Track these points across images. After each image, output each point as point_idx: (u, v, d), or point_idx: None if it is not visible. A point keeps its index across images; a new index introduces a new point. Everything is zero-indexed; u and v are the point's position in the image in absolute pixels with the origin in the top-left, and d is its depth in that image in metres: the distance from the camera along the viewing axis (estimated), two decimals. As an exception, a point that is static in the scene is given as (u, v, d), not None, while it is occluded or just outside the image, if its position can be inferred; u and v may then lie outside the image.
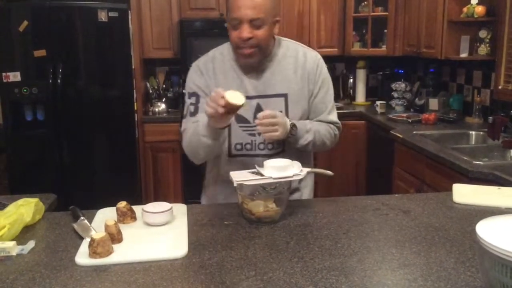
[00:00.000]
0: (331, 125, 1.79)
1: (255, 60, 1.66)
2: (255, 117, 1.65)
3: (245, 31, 1.59)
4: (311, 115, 1.78)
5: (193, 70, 1.77)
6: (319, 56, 1.79)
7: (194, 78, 1.76)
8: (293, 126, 1.64)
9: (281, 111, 1.68)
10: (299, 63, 1.73)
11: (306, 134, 1.69)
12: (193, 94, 1.75)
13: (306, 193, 1.87)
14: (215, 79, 1.73)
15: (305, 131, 1.69)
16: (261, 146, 1.73)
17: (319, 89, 1.76)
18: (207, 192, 1.90)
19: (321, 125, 1.76)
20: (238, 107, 1.48)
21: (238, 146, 1.73)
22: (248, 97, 1.67)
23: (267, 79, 1.71)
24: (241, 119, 1.71)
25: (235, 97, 1.47)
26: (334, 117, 1.81)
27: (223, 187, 1.80)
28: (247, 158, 1.73)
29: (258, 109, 1.69)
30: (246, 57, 1.65)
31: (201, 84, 1.74)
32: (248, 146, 1.73)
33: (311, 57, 1.76)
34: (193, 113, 1.73)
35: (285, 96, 1.71)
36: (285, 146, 1.74)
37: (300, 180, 1.76)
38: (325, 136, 1.76)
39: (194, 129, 1.66)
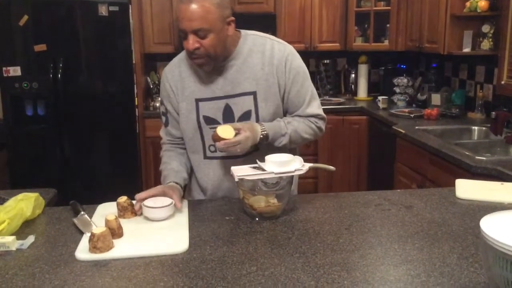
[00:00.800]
0: (312, 119, 1.73)
1: (208, 68, 1.63)
2: (224, 118, 1.67)
3: (190, 43, 1.55)
4: (289, 110, 1.72)
5: (162, 76, 1.78)
6: (289, 49, 1.69)
7: (162, 87, 1.78)
8: (265, 138, 1.61)
9: (250, 110, 1.66)
10: (266, 58, 1.66)
11: (281, 137, 1.65)
12: (162, 103, 1.80)
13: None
14: (182, 82, 1.71)
15: (280, 135, 1.65)
16: None
17: (292, 84, 1.68)
18: (189, 186, 1.88)
19: (301, 123, 1.70)
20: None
21: (212, 148, 1.71)
22: (216, 98, 1.67)
23: (234, 77, 1.66)
24: (211, 121, 1.68)
25: (226, 131, 1.52)
26: (314, 109, 1.73)
27: (200, 188, 1.80)
28: (222, 160, 1.71)
29: (227, 109, 1.66)
30: (199, 66, 1.63)
31: (168, 94, 1.74)
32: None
33: (279, 51, 1.67)
34: (165, 124, 1.80)
35: (253, 94, 1.66)
36: (258, 146, 1.68)
37: None
38: (306, 132, 1.71)
39: (164, 175, 1.72)
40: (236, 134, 1.53)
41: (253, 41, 1.69)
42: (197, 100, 1.68)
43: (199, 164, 1.77)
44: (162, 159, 1.80)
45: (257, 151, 1.67)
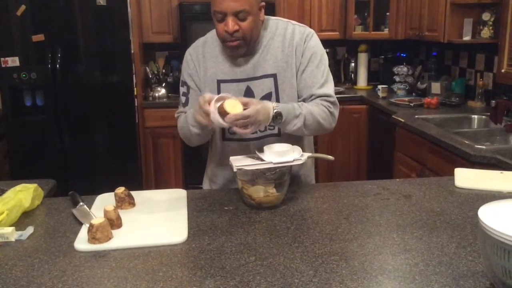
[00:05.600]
0: (324, 102, 1.66)
1: (241, 52, 1.64)
2: None
3: (230, 24, 1.55)
4: (302, 91, 1.68)
5: (185, 57, 1.77)
6: (309, 31, 1.70)
7: (185, 66, 1.76)
8: (278, 115, 1.54)
9: (270, 92, 1.66)
10: (287, 40, 1.67)
11: (295, 119, 1.58)
12: (185, 83, 1.77)
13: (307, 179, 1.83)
14: (205, 63, 1.71)
15: (294, 116, 1.57)
16: None
17: (308, 63, 1.66)
18: (208, 175, 1.89)
19: (315, 106, 1.64)
20: None
21: (231, 130, 1.67)
22: (237, 80, 1.67)
23: (256, 61, 1.67)
24: None
25: (234, 106, 1.44)
26: (327, 90, 1.67)
27: (221, 171, 1.79)
28: (241, 142, 1.70)
29: (248, 91, 1.66)
30: (232, 50, 1.63)
31: (192, 72, 1.73)
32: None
33: (299, 32, 1.68)
34: (185, 104, 1.77)
35: (274, 76, 1.66)
36: (280, 130, 1.69)
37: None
38: (320, 116, 1.63)
39: (184, 118, 1.70)
40: (244, 110, 1.46)
41: (275, 25, 1.71)
42: (219, 81, 1.69)
43: (217, 146, 1.77)
44: (182, 116, 1.74)
45: (278, 136, 1.69)
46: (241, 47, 1.61)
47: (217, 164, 1.80)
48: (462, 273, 1.09)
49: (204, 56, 1.72)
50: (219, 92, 1.68)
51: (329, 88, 1.69)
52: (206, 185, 1.90)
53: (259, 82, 1.67)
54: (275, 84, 1.66)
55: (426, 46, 4.34)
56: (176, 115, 1.82)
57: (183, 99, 1.78)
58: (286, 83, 1.67)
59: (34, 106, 3.66)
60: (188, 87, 1.75)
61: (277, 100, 1.66)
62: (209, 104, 1.45)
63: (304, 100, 1.67)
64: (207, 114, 1.45)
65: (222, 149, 1.76)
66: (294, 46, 1.67)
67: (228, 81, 1.68)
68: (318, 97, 1.66)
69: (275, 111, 1.53)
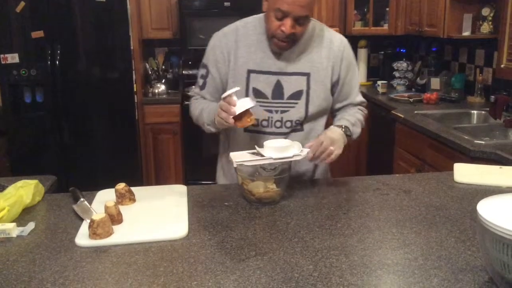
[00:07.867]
0: (360, 107, 1.81)
1: (285, 50, 1.66)
2: (273, 93, 1.68)
3: (289, 26, 1.55)
4: (339, 97, 1.76)
5: (212, 43, 1.75)
6: (345, 40, 1.76)
7: (211, 51, 1.74)
8: (346, 128, 1.67)
9: (301, 90, 1.67)
10: (325, 44, 1.70)
11: (353, 127, 1.71)
12: (205, 66, 1.77)
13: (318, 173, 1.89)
14: (236, 50, 1.70)
15: (352, 125, 1.71)
16: (278, 124, 1.70)
17: (347, 72, 1.73)
18: (222, 167, 1.87)
19: (356, 114, 1.77)
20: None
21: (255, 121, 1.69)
22: (268, 73, 1.68)
23: (290, 56, 1.68)
24: (260, 94, 1.67)
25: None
26: (361, 97, 1.83)
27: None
28: (262, 135, 1.70)
29: (278, 85, 1.67)
30: (279, 48, 1.64)
31: (218, 59, 1.72)
32: (265, 123, 1.69)
33: (337, 40, 1.73)
34: (201, 87, 1.78)
35: (307, 75, 1.68)
36: (303, 126, 1.72)
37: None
38: (362, 121, 1.78)
39: (200, 112, 1.72)
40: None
41: (312, 25, 1.72)
42: (250, 71, 1.68)
43: (238, 137, 1.75)
44: (197, 102, 1.77)
45: (301, 131, 1.72)
46: (288, 48, 1.65)
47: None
48: (461, 267, 1.10)
49: (236, 43, 1.70)
50: (248, 82, 1.68)
51: (360, 94, 1.83)
52: (221, 179, 1.88)
53: (291, 78, 1.68)
54: (308, 83, 1.68)
55: (425, 41, 4.33)
56: (191, 93, 1.84)
57: (200, 81, 1.78)
58: (319, 83, 1.69)
59: (34, 102, 3.66)
60: (208, 72, 1.75)
61: (307, 98, 1.69)
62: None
63: (342, 107, 1.79)
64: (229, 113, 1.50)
65: (241, 142, 1.74)
66: (333, 51, 1.71)
67: (259, 72, 1.68)
68: (356, 105, 1.79)
69: (342, 126, 1.67)
